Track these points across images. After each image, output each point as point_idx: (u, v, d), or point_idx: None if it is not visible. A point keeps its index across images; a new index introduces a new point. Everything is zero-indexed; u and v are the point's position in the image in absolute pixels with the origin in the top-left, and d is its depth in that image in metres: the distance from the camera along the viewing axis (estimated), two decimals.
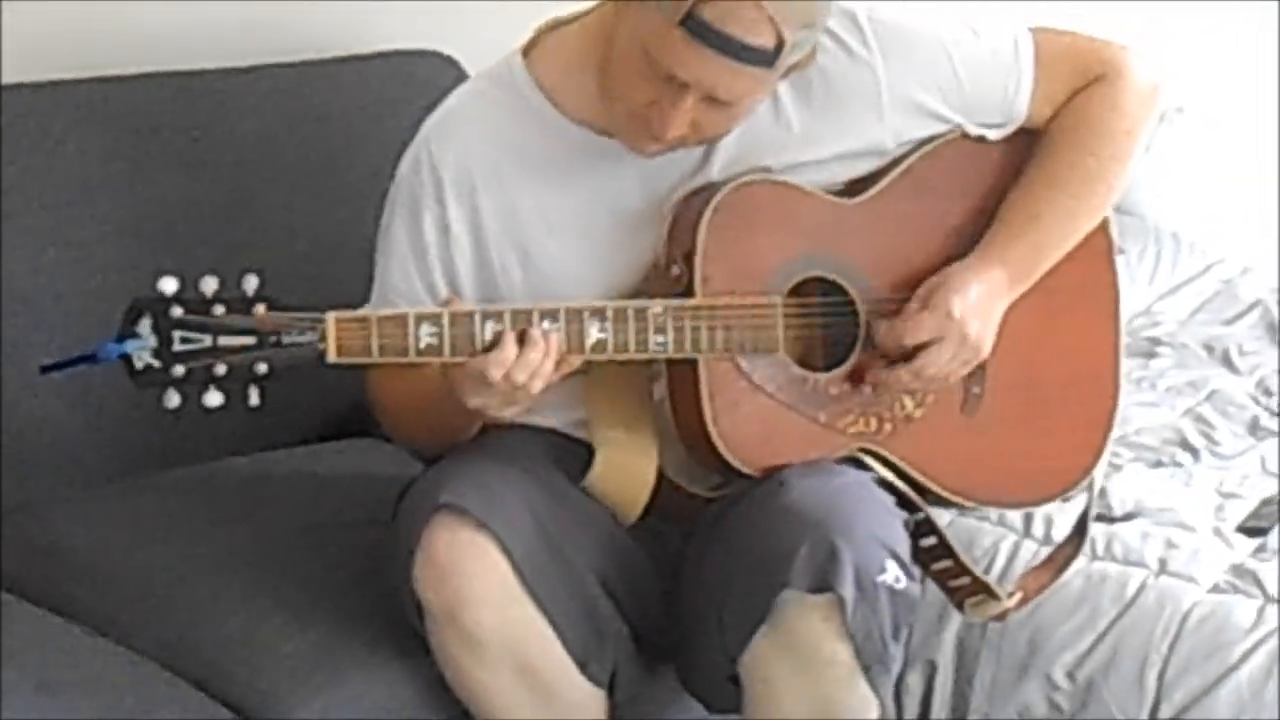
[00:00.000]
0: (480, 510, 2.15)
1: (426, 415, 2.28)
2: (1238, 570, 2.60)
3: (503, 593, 2.16)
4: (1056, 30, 2.41)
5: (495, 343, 2.11)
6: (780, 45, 2.10)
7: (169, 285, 2.01)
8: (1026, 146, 2.39)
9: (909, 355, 2.28)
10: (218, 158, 2.78)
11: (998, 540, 2.68)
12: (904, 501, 2.30)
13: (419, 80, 2.91)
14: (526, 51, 2.32)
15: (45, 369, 2.10)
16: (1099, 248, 2.45)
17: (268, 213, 2.79)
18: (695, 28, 2.08)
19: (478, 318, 2.12)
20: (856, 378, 2.31)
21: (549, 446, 2.33)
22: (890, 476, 2.31)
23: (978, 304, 2.29)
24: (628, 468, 2.29)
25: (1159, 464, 2.95)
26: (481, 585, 2.15)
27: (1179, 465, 2.96)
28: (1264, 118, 4.03)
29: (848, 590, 2.12)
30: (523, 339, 2.11)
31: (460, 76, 2.89)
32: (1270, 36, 4.06)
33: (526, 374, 2.11)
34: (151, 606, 2.38)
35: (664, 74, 2.13)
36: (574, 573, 2.22)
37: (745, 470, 2.24)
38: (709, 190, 2.26)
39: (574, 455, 2.32)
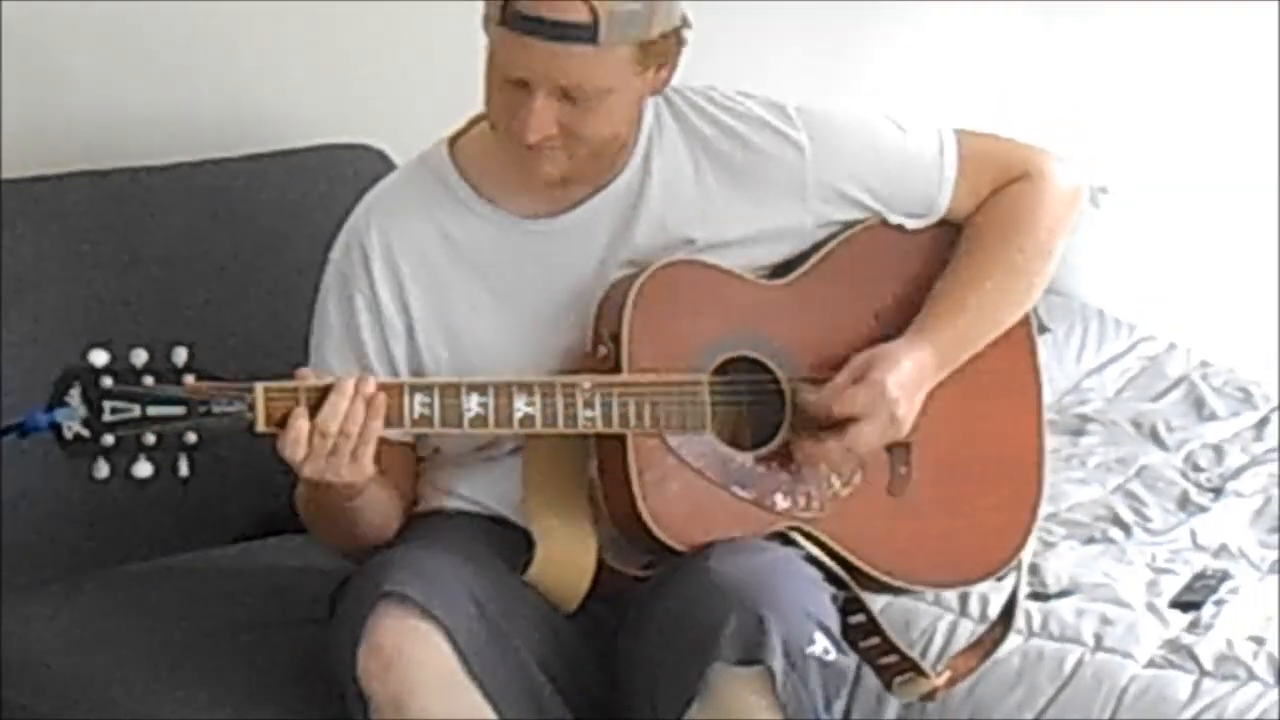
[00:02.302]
0: (423, 597, 2.15)
1: (313, 506, 2.29)
2: (1173, 645, 2.61)
3: (448, 680, 2.16)
4: (980, 132, 2.48)
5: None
6: (595, 18, 2.16)
7: (99, 357, 2.03)
8: (945, 236, 2.44)
9: (836, 427, 2.30)
10: (149, 254, 2.79)
11: (935, 620, 2.68)
12: (832, 579, 2.32)
13: (349, 173, 2.92)
14: (454, 140, 2.38)
15: None
16: (1019, 336, 2.48)
17: (199, 307, 2.79)
18: (514, 21, 2.17)
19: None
20: (783, 457, 2.33)
21: (486, 534, 2.35)
22: (818, 553, 2.33)
23: (909, 383, 2.32)
24: (567, 560, 2.30)
25: (1091, 540, 2.97)
26: (427, 673, 2.15)
27: (1111, 541, 2.97)
28: (1187, 196, 4.07)
29: (777, 662, 2.13)
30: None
31: (390, 169, 2.90)
32: (1187, 118, 4.11)
33: (336, 423, 2.10)
34: (87, 710, 2.37)
35: (509, 80, 2.20)
36: (517, 658, 2.23)
37: (675, 547, 2.26)
38: (635, 271, 2.29)
39: (511, 542, 2.33)
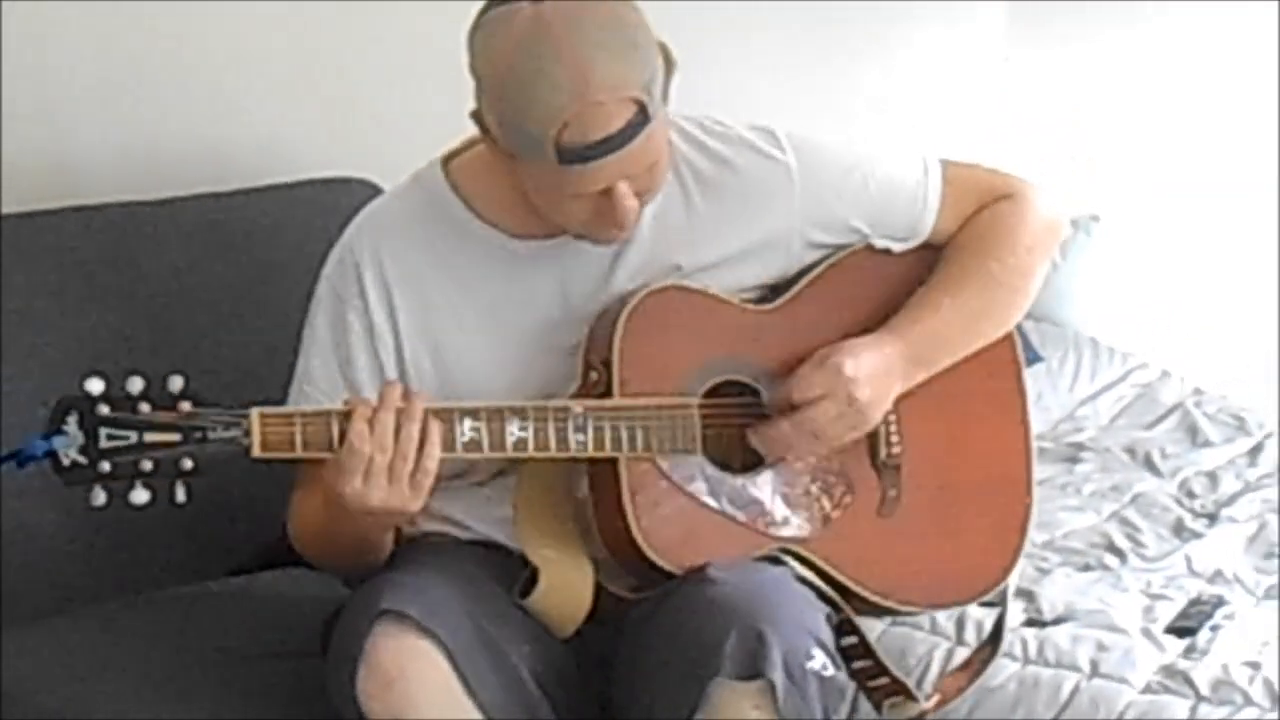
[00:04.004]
0: (421, 615, 2.16)
1: (326, 531, 2.29)
2: (1169, 671, 2.62)
3: (448, 698, 2.16)
4: (963, 161, 2.49)
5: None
6: (642, 104, 2.16)
7: (95, 385, 2.04)
8: (930, 259, 2.45)
9: (794, 410, 2.31)
10: (143, 288, 2.80)
11: (931, 648, 2.69)
12: (823, 599, 2.33)
13: (340, 206, 2.90)
14: (448, 159, 2.39)
15: None
16: (1004, 357, 2.49)
17: (194, 339, 2.80)
18: (574, 156, 2.15)
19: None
20: (774, 478, 2.34)
21: (477, 557, 2.35)
22: (809, 574, 2.34)
23: (870, 371, 2.33)
24: (566, 589, 2.31)
25: (1087, 567, 2.98)
26: (427, 691, 2.15)
27: (1107, 568, 2.98)
28: (1178, 223, 4.08)
29: (778, 676, 2.14)
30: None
31: None
32: (1178, 145, 4.13)
33: (387, 435, 2.11)
34: None
35: (586, 194, 2.20)
36: (513, 675, 2.23)
37: (667, 569, 2.27)
38: (625, 297, 2.31)
39: (502, 564, 2.34)
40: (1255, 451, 3.44)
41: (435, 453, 2.15)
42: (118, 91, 2.97)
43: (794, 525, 2.34)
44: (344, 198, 2.96)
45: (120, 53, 2.97)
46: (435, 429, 2.15)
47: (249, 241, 2.91)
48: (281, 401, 2.35)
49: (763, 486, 2.34)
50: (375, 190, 3.02)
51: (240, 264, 2.89)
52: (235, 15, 3.06)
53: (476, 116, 2.24)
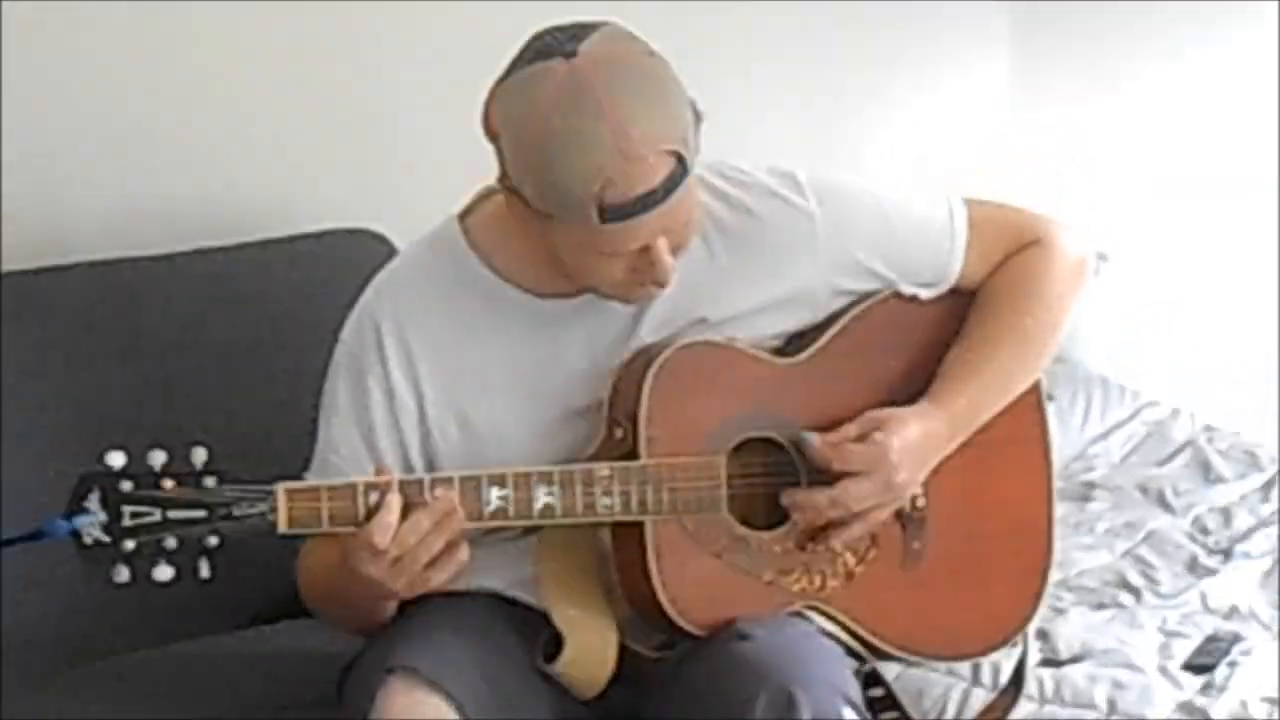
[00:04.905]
0: (432, 671, 2.14)
1: (337, 591, 2.27)
2: (1186, 707, 2.61)
3: None
4: (988, 200, 2.47)
5: (378, 507, 2.11)
6: (680, 157, 2.15)
7: (117, 459, 2.02)
8: (959, 306, 2.43)
9: (832, 480, 2.29)
10: (151, 344, 2.80)
11: (948, 689, 2.67)
12: (849, 652, 2.32)
13: (351, 259, 2.93)
14: (464, 216, 2.36)
15: None
16: (1029, 401, 2.47)
17: (204, 396, 2.80)
18: (616, 214, 2.13)
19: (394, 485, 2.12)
20: (799, 536, 2.32)
21: (496, 612, 2.33)
22: (835, 630, 2.32)
23: (914, 452, 2.31)
24: (592, 652, 2.28)
25: (1101, 606, 2.97)
26: None
27: (1122, 606, 2.97)
28: (1187, 263, 4.08)
29: None
30: (408, 505, 2.12)
31: (392, 254, 2.91)
32: (1183, 186, 4.13)
33: (415, 536, 2.10)
34: None
35: (623, 253, 2.18)
36: None
37: (692, 630, 2.25)
38: (650, 352, 2.28)
39: (523, 620, 2.32)
40: (1268, 487, 3.43)
41: (460, 558, 2.14)
42: (122, 145, 2.99)
43: (818, 583, 2.33)
44: (352, 250, 2.98)
45: (125, 106, 2.98)
46: (457, 527, 2.14)
47: (259, 295, 2.92)
48: (296, 461, 2.33)
49: (788, 544, 2.31)
50: (383, 242, 3.03)
51: (251, 318, 2.89)
52: (240, 68, 3.08)
53: (503, 182, 2.21)
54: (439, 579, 2.15)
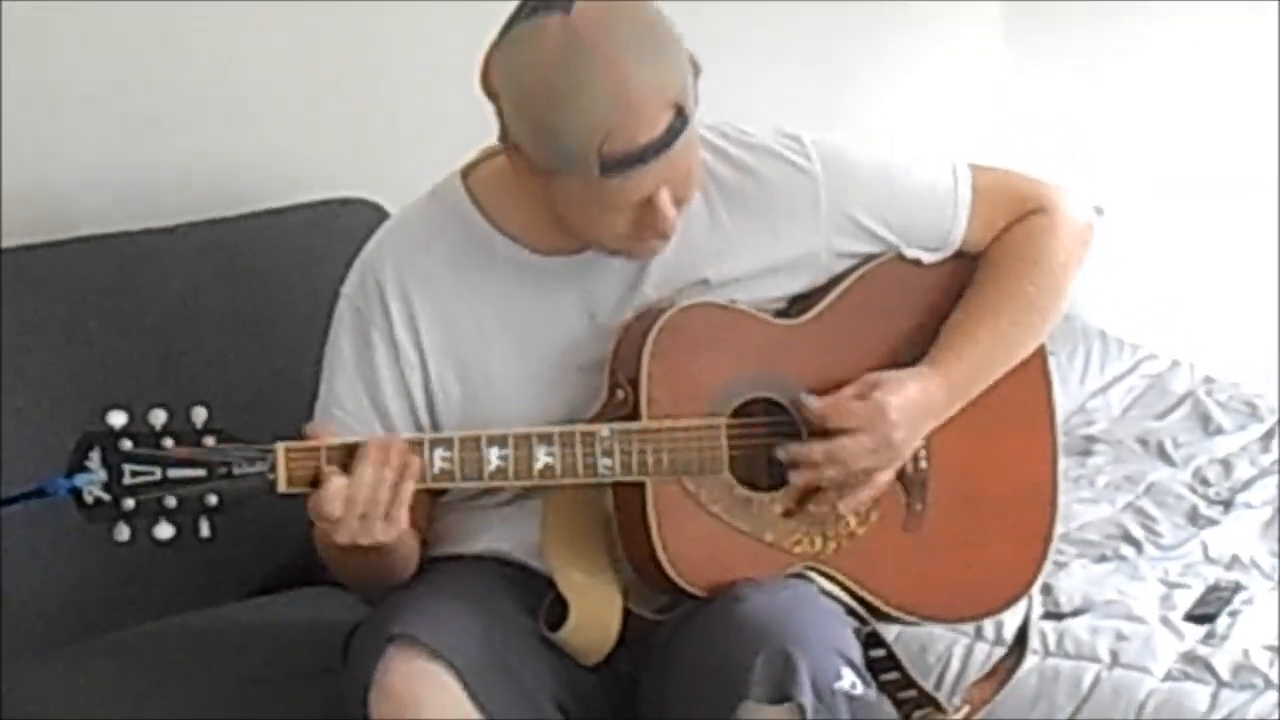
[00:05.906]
0: (432, 639, 2.14)
1: (350, 554, 2.26)
2: (1188, 658, 2.62)
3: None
4: (992, 166, 2.47)
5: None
6: (680, 106, 2.15)
7: (118, 419, 2.02)
8: (962, 270, 2.42)
9: (828, 435, 2.29)
10: (151, 316, 2.79)
11: (950, 645, 2.69)
12: (850, 613, 2.32)
13: (346, 228, 2.93)
14: (467, 172, 2.36)
15: None
16: (1034, 365, 2.47)
17: (203, 367, 2.80)
18: (617, 165, 2.13)
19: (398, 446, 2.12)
20: (800, 497, 2.31)
21: (500, 578, 2.33)
22: (836, 591, 2.32)
23: (912, 412, 2.31)
24: (595, 619, 2.28)
25: (1103, 558, 2.98)
26: (439, 714, 2.14)
27: (1123, 558, 2.98)
28: (1183, 214, 4.08)
29: (806, 698, 2.12)
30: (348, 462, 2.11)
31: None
32: (1180, 134, 4.13)
33: (365, 490, 2.09)
34: None
35: (626, 206, 2.18)
36: (530, 699, 2.22)
37: (693, 591, 2.25)
38: (651, 313, 2.28)
39: (527, 585, 2.32)
40: (1268, 437, 3.44)
41: (408, 490, 2.13)
42: (118, 118, 2.98)
43: (820, 544, 2.33)
44: (347, 219, 2.98)
45: (120, 79, 2.98)
46: (413, 468, 2.13)
47: (257, 265, 2.91)
48: (298, 425, 2.33)
49: (788, 505, 2.31)
50: (379, 210, 3.03)
51: (249, 288, 2.89)
52: (235, 39, 3.07)
53: (504, 140, 2.21)
54: (385, 526, 2.12)
